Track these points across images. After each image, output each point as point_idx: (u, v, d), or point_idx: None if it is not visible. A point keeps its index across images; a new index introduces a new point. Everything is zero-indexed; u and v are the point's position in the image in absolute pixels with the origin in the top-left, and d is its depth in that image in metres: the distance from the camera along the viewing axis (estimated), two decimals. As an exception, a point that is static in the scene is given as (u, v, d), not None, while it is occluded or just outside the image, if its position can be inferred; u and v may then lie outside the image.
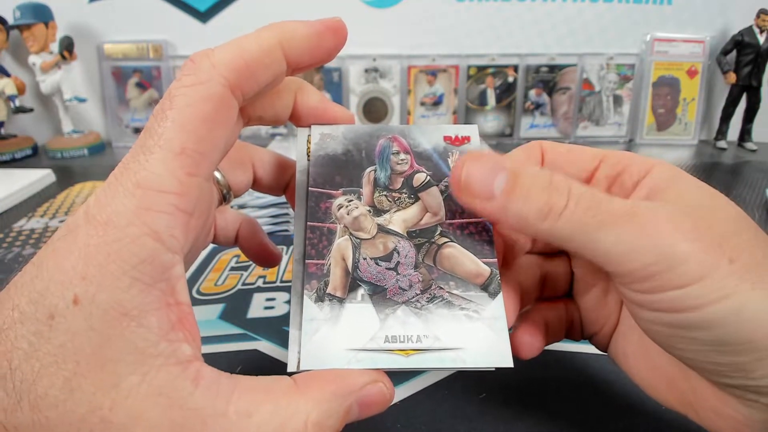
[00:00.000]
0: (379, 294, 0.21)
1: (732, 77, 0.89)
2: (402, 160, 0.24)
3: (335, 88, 0.91)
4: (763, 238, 0.19)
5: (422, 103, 0.92)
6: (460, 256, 0.22)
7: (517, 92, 0.92)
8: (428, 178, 0.23)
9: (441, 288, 0.21)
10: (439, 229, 0.22)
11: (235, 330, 0.37)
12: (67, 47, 0.85)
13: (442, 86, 0.92)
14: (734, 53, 0.89)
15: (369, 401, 0.18)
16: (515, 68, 0.91)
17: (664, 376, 0.22)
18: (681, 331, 0.18)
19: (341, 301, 0.20)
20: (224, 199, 0.25)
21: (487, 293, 0.21)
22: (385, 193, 0.23)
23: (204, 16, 0.90)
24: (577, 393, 0.30)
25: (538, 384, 0.31)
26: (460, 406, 0.29)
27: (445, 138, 0.24)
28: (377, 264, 0.21)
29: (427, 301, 0.21)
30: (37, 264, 0.16)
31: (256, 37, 0.18)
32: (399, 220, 0.22)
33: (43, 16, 0.82)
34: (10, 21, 0.82)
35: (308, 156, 0.24)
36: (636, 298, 0.19)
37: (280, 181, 0.27)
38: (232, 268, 0.46)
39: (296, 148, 0.24)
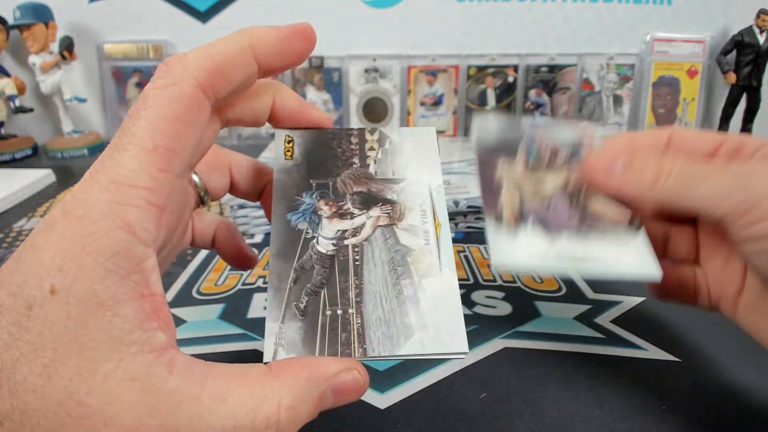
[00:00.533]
0: (544, 225, 0.25)
1: (732, 77, 0.89)
2: (543, 146, 0.28)
3: (335, 88, 0.91)
4: None
5: (422, 103, 0.92)
6: (606, 204, 0.26)
7: (517, 92, 0.92)
8: (569, 154, 0.27)
9: (594, 227, 0.25)
10: (584, 187, 0.26)
11: (235, 330, 0.37)
12: (67, 47, 0.85)
13: (442, 86, 0.92)
14: (734, 53, 0.89)
15: (343, 388, 0.19)
16: (515, 68, 0.91)
17: None
18: None
19: (515, 228, 0.25)
20: (202, 201, 0.26)
21: (631, 228, 0.25)
22: (536, 164, 0.27)
23: (204, 16, 0.90)
24: (577, 393, 0.30)
25: (538, 384, 0.31)
26: (460, 406, 0.29)
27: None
28: (540, 209, 0.26)
29: (585, 233, 0.25)
30: (15, 259, 0.17)
31: (227, 40, 0.19)
32: (551, 179, 0.27)
33: (43, 16, 0.82)
34: (10, 21, 0.82)
35: (286, 156, 0.25)
36: (742, 235, 0.22)
37: (256, 187, 0.28)
38: (232, 268, 0.46)
39: (274, 149, 0.25)
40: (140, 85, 0.90)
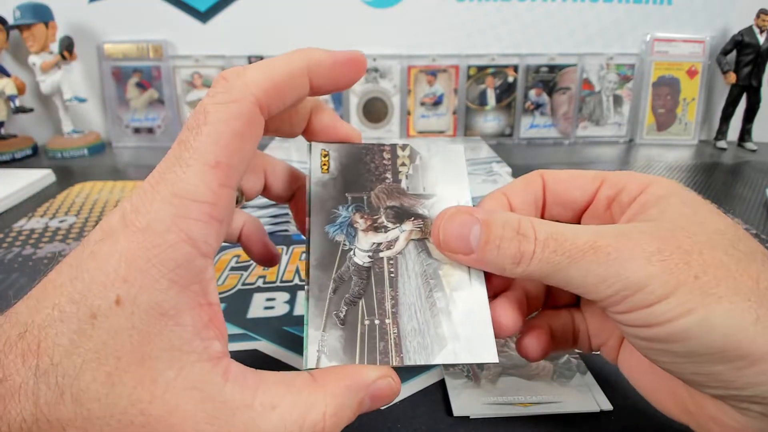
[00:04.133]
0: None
1: (732, 77, 0.89)
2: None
3: (335, 88, 0.91)
4: (745, 250, 0.20)
5: (422, 103, 0.92)
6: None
7: (517, 92, 0.92)
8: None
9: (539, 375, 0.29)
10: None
11: (235, 330, 0.37)
12: (67, 47, 0.85)
13: (442, 86, 0.92)
14: (734, 53, 0.89)
15: (379, 394, 0.20)
16: (515, 68, 0.91)
17: (666, 386, 0.23)
18: (658, 344, 0.19)
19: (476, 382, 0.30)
20: (236, 201, 0.26)
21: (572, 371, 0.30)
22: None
23: (204, 16, 0.90)
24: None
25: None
26: (460, 406, 0.29)
27: None
28: None
29: (531, 379, 0.30)
30: (75, 266, 0.17)
31: (286, 60, 0.20)
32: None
33: (43, 16, 0.82)
34: (10, 21, 0.82)
35: (323, 170, 0.25)
36: (616, 318, 0.21)
37: (288, 191, 0.28)
38: (232, 268, 0.46)
39: (311, 163, 0.25)
40: (140, 85, 0.91)
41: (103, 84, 0.91)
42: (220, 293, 0.42)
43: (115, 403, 0.15)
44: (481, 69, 0.91)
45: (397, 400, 0.30)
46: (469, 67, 0.91)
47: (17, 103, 0.83)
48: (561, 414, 0.28)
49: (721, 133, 0.92)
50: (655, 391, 0.23)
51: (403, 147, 0.27)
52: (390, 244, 0.24)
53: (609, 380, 0.31)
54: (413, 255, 0.23)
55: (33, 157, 0.86)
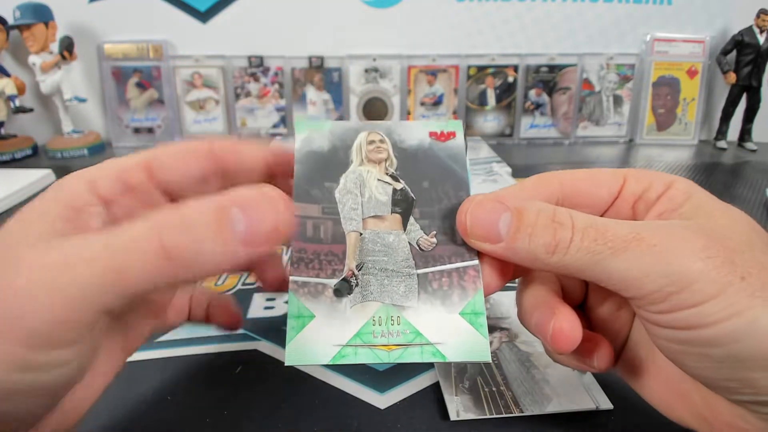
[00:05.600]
0: None
1: (732, 77, 0.89)
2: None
3: (335, 88, 0.91)
4: None
5: (422, 103, 0.92)
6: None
7: (517, 92, 0.92)
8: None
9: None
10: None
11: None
12: (67, 47, 0.85)
13: (442, 86, 0.92)
14: (734, 53, 0.89)
15: (248, 203, 0.18)
16: (515, 68, 0.91)
17: (677, 390, 0.22)
18: (695, 347, 0.18)
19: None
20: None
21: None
22: None
23: (204, 16, 0.90)
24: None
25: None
26: (460, 406, 0.29)
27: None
28: None
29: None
30: None
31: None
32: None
33: (43, 16, 0.82)
34: (10, 21, 0.82)
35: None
36: (652, 318, 0.19)
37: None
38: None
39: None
40: (140, 85, 0.91)
41: (103, 84, 0.91)
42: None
43: None
44: (481, 69, 0.91)
45: (397, 399, 0.30)
46: (469, 67, 0.91)
47: (17, 103, 0.83)
48: (560, 413, 0.28)
49: (721, 133, 0.92)
50: (664, 395, 0.23)
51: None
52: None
53: (609, 380, 0.31)
54: (508, 351, 0.33)
55: (33, 157, 0.86)
